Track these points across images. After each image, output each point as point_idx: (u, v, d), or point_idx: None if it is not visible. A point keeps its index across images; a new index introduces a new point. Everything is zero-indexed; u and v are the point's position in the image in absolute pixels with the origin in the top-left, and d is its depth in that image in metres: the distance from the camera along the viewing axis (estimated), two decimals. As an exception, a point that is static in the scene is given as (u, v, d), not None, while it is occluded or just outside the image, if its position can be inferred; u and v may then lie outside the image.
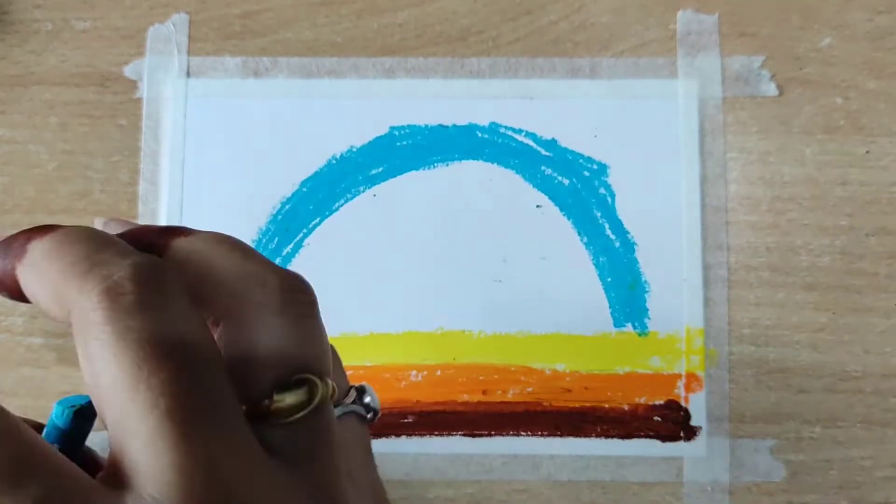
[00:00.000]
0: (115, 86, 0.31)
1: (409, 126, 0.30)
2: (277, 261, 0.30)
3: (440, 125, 0.30)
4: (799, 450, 0.29)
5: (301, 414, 0.14)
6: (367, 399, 0.17)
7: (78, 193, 0.30)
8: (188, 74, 0.31)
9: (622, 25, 0.31)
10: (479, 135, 0.30)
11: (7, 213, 0.30)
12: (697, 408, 0.29)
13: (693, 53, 0.31)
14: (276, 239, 0.30)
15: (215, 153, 0.30)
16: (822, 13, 0.31)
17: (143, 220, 0.30)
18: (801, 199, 0.30)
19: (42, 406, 0.29)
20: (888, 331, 0.29)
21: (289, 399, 0.14)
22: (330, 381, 0.14)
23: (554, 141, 0.30)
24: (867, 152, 0.30)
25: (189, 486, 0.12)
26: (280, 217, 0.30)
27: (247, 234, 0.30)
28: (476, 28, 0.31)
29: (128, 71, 0.31)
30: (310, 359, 0.14)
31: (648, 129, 0.30)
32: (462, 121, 0.30)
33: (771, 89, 0.30)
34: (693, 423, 0.29)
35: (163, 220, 0.30)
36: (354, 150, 0.30)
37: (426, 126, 0.30)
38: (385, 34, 0.31)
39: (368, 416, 0.17)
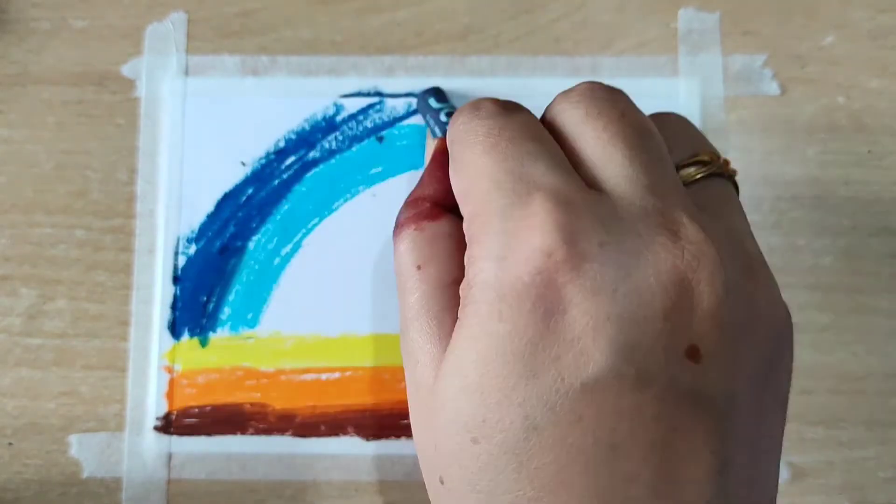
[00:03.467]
0: (112, 85, 0.31)
1: (408, 126, 0.30)
2: (276, 261, 0.29)
3: (440, 124, 0.30)
4: (801, 451, 0.28)
5: (701, 175, 0.18)
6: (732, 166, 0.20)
7: (76, 193, 0.30)
8: (186, 73, 0.31)
9: (623, 24, 0.31)
10: (480, 134, 0.30)
11: (5, 212, 0.30)
12: None
13: (694, 52, 0.30)
14: (275, 239, 0.30)
15: (214, 152, 0.30)
16: (824, 12, 0.31)
17: (141, 220, 0.30)
18: (804, 199, 0.30)
19: (40, 406, 0.29)
20: (891, 331, 0.29)
21: (691, 170, 0.18)
22: (719, 157, 0.18)
23: (554, 140, 0.30)
24: (869, 152, 0.30)
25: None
26: (279, 217, 0.30)
27: (245, 234, 0.30)
28: (476, 26, 0.31)
29: (126, 70, 0.31)
30: (703, 145, 0.19)
31: (650, 129, 0.30)
32: (462, 120, 0.30)
33: (773, 88, 0.30)
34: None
35: (161, 219, 0.30)
36: (354, 149, 0.30)
37: (426, 125, 0.30)
38: (385, 33, 0.31)
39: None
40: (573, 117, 0.17)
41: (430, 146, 0.20)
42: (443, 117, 0.22)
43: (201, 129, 0.30)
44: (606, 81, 0.30)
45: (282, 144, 0.30)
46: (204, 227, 0.30)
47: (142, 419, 0.29)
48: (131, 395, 0.29)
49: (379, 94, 0.30)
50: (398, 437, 0.29)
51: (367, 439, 0.29)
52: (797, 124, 0.30)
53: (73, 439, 0.29)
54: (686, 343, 0.15)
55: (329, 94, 0.30)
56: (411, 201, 0.19)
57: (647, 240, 0.15)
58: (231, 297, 0.29)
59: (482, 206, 0.16)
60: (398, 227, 0.19)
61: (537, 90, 0.30)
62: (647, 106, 0.30)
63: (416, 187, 0.20)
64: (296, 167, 0.30)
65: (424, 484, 0.27)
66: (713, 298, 0.15)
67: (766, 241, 0.29)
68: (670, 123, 0.19)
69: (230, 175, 0.30)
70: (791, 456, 0.28)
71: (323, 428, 0.29)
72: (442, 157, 0.19)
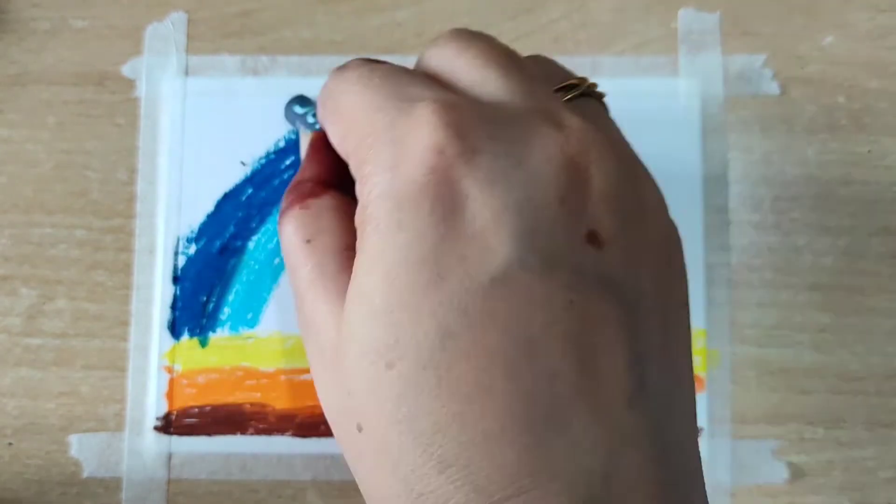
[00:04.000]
0: (112, 85, 0.31)
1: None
2: (276, 261, 0.30)
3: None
4: (801, 451, 0.28)
5: (574, 94, 0.18)
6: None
7: (76, 193, 0.30)
8: (186, 73, 0.31)
9: (623, 24, 0.31)
10: (480, 134, 0.30)
11: (5, 212, 0.30)
12: (699, 409, 0.28)
13: (694, 52, 0.30)
14: (276, 239, 0.30)
15: (214, 152, 0.30)
16: (824, 12, 0.31)
17: (141, 220, 0.30)
18: (804, 199, 0.30)
19: (40, 406, 0.29)
20: (891, 331, 0.29)
21: (562, 93, 0.18)
22: (587, 80, 0.19)
23: (554, 140, 0.30)
24: (869, 151, 0.30)
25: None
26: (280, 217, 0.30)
27: (245, 234, 0.30)
28: (476, 26, 0.31)
29: (126, 70, 0.31)
30: (570, 74, 0.20)
31: (649, 129, 0.30)
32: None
33: (773, 88, 0.30)
34: (694, 424, 0.29)
35: (161, 219, 0.30)
36: (354, 149, 0.30)
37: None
38: (384, 32, 0.31)
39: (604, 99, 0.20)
40: (444, 56, 0.17)
41: (304, 140, 0.21)
42: (310, 119, 0.23)
43: (201, 129, 0.30)
44: (606, 81, 0.30)
45: (282, 144, 0.30)
46: (204, 227, 0.30)
47: (142, 419, 0.29)
48: (131, 395, 0.29)
49: None
50: (398, 437, 0.29)
51: (367, 439, 0.29)
52: (797, 124, 0.30)
53: (73, 439, 0.29)
54: (585, 227, 0.15)
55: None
56: (291, 187, 0.19)
57: (532, 130, 0.15)
58: (231, 297, 0.29)
59: (366, 131, 0.16)
60: (282, 214, 0.19)
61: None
62: (647, 106, 0.30)
63: (294, 178, 0.20)
64: (296, 167, 0.30)
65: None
66: (604, 180, 0.15)
67: (766, 240, 0.29)
68: (537, 59, 0.20)
69: (230, 175, 0.30)
70: (791, 456, 0.28)
71: (323, 428, 0.29)
72: (318, 144, 0.20)
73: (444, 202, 0.14)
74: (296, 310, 0.18)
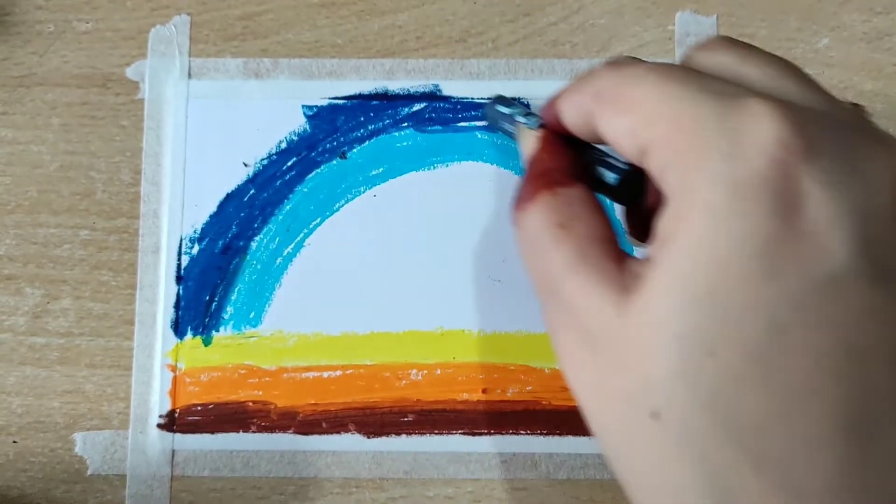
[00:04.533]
0: (116, 87, 0.31)
1: (409, 127, 0.31)
2: (278, 261, 0.30)
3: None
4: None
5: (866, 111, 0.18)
6: None
7: (80, 194, 0.30)
8: (189, 76, 0.31)
9: (621, 27, 0.31)
10: (479, 135, 0.30)
11: (9, 213, 0.30)
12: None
13: (691, 54, 0.31)
14: (277, 239, 0.30)
15: (217, 153, 0.30)
16: (819, 14, 0.31)
17: (145, 220, 0.30)
18: (799, 200, 0.30)
19: (45, 405, 0.29)
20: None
21: None
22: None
23: (553, 141, 0.30)
24: (864, 153, 0.30)
25: None
26: (281, 217, 0.30)
27: (247, 234, 0.30)
28: (476, 30, 0.31)
29: (130, 72, 0.31)
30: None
31: (647, 130, 0.30)
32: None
33: (769, 90, 0.30)
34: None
35: (165, 220, 0.30)
36: (355, 150, 0.30)
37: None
38: (385, 36, 0.31)
39: None
40: (725, 63, 0.17)
41: (528, 138, 0.21)
42: (520, 118, 0.23)
43: (204, 131, 0.31)
44: (604, 83, 0.31)
45: (283, 145, 0.31)
46: (207, 228, 0.30)
47: (145, 417, 0.29)
48: (135, 393, 0.29)
49: (385, 95, 0.31)
50: (398, 434, 0.29)
51: (368, 437, 0.29)
52: (793, 126, 0.30)
53: (78, 437, 0.29)
54: None
55: (330, 96, 0.31)
56: (533, 176, 0.19)
57: (861, 141, 0.15)
58: (234, 297, 0.30)
59: (685, 119, 0.15)
60: (521, 200, 0.18)
61: (536, 93, 0.31)
62: (645, 108, 0.31)
63: (529, 170, 0.20)
64: (297, 168, 0.30)
65: (424, 482, 0.27)
66: None
67: (762, 241, 0.30)
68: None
69: (233, 176, 0.30)
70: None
71: (324, 425, 0.29)
72: (551, 138, 0.20)
73: (785, 196, 0.14)
74: (544, 297, 0.17)
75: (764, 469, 0.14)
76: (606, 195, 0.21)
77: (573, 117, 0.19)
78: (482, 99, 0.30)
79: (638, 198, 0.20)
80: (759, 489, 0.14)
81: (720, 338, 0.14)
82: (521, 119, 0.23)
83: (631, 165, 0.20)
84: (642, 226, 0.20)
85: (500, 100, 0.27)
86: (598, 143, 0.20)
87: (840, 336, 0.14)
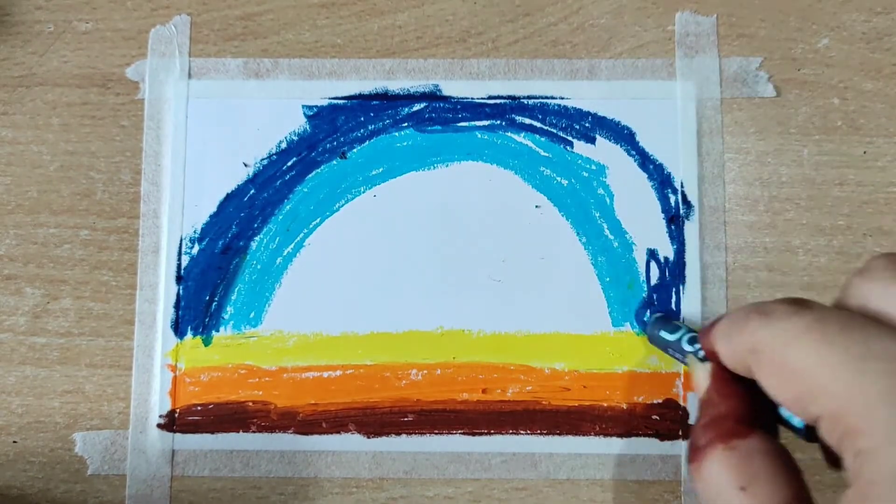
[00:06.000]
0: (117, 87, 0.31)
1: (409, 127, 0.31)
2: (278, 261, 0.30)
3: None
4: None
5: None
6: None
7: (80, 194, 0.30)
8: (189, 76, 0.31)
9: (620, 27, 0.31)
10: (479, 136, 0.30)
11: (10, 213, 0.30)
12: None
13: (691, 55, 0.31)
14: (278, 239, 0.30)
15: (217, 153, 0.30)
16: (819, 14, 0.31)
17: (145, 220, 0.30)
18: (799, 200, 0.30)
19: (45, 404, 0.29)
20: (885, 330, 0.29)
21: None
22: None
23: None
24: (864, 153, 0.30)
25: None
26: (281, 217, 0.30)
27: (247, 234, 0.30)
28: (476, 30, 0.31)
29: (130, 72, 0.31)
30: None
31: (646, 130, 0.30)
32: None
33: (768, 90, 0.31)
34: (691, 421, 0.29)
35: (165, 220, 0.30)
36: (355, 150, 0.31)
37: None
38: (385, 36, 0.31)
39: None
40: (885, 293, 0.16)
41: (699, 371, 0.20)
42: (686, 346, 0.22)
43: (204, 131, 0.31)
44: (604, 83, 0.31)
45: (283, 145, 0.31)
46: (207, 228, 0.30)
47: (145, 417, 0.29)
48: (135, 393, 0.29)
49: (385, 95, 0.31)
50: (398, 434, 0.29)
51: (368, 436, 0.29)
52: (792, 126, 0.30)
53: (78, 437, 0.29)
54: None
55: (330, 96, 0.31)
56: (706, 423, 0.18)
57: None
58: (234, 297, 0.30)
59: (852, 397, 0.15)
60: (699, 450, 0.17)
61: (536, 92, 0.31)
62: (644, 108, 0.31)
63: (701, 413, 0.18)
64: (297, 168, 0.30)
65: (424, 482, 0.27)
66: None
67: (762, 241, 0.30)
68: None
69: (233, 176, 0.30)
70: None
71: (324, 425, 0.29)
72: (721, 376, 0.19)
73: None
74: None
75: None
76: (798, 436, 0.19)
77: (731, 361, 0.18)
78: (481, 100, 0.30)
79: None
80: None
81: None
82: (687, 347, 0.22)
83: None
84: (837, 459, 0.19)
85: (663, 321, 0.26)
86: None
87: None
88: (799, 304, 0.16)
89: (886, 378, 0.14)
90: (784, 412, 0.19)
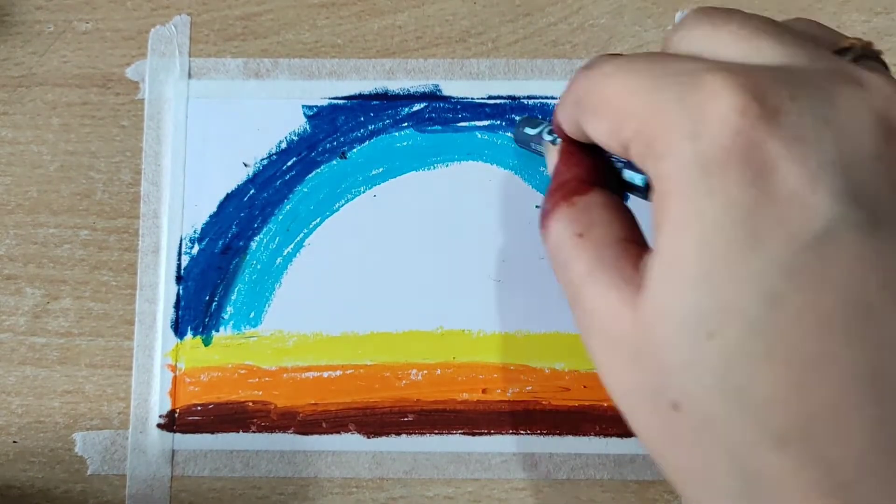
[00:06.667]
0: (117, 87, 0.31)
1: (409, 127, 0.31)
2: (278, 261, 0.30)
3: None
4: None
5: (855, 55, 0.17)
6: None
7: (80, 193, 0.30)
8: (190, 76, 0.31)
9: (621, 27, 0.31)
10: (479, 135, 0.30)
11: (9, 213, 0.30)
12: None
13: (691, 55, 0.31)
14: (277, 239, 0.30)
15: (217, 153, 0.30)
16: (819, 14, 0.31)
17: (145, 220, 0.30)
18: (799, 200, 0.30)
19: (45, 405, 0.29)
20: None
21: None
22: (860, 40, 0.18)
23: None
24: (864, 153, 0.30)
25: None
26: (281, 217, 0.30)
27: (247, 234, 0.30)
28: (476, 30, 0.31)
29: (130, 72, 0.31)
30: (839, 35, 0.18)
31: (647, 130, 0.30)
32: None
33: (768, 90, 0.31)
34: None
35: (165, 220, 0.30)
36: (355, 150, 0.31)
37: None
38: (385, 36, 0.31)
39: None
40: (697, 36, 0.17)
41: (551, 153, 0.21)
42: (546, 136, 0.23)
43: (204, 131, 0.31)
44: (604, 83, 0.31)
45: (283, 145, 0.31)
46: (207, 228, 0.30)
47: (146, 417, 0.29)
48: (135, 393, 0.29)
49: (385, 95, 0.31)
50: (398, 434, 0.29)
51: (368, 436, 0.29)
52: (792, 126, 0.30)
53: (78, 437, 0.29)
54: None
55: (330, 96, 0.31)
56: (553, 189, 0.19)
57: (832, 90, 0.15)
58: (234, 297, 0.30)
59: (649, 111, 0.15)
60: (546, 214, 0.19)
61: (536, 92, 0.31)
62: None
63: (550, 184, 0.20)
64: (297, 168, 0.30)
65: (424, 482, 0.27)
66: None
67: (762, 241, 0.30)
68: (799, 22, 0.18)
69: (233, 176, 0.30)
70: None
71: (324, 425, 0.29)
72: (569, 149, 0.20)
73: (754, 164, 0.14)
74: (572, 306, 0.18)
75: (787, 444, 0.13)
76: (640, 196, 0.20)
77: (569, 127, 0.19)
78: (481, 100, 0.30)
79: None
80: (783, 465, 0.13)
81: (717, 317, 0.14)
82: (546, 137, 0.23)
83: None
84: None
85: (527, 121, 0.27)
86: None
87: (841, 294, 0.13)
88: (614, 54, 0.18)
89: (679, 86, 0.15)
90: (626, 171, 0.20)
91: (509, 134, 0.30)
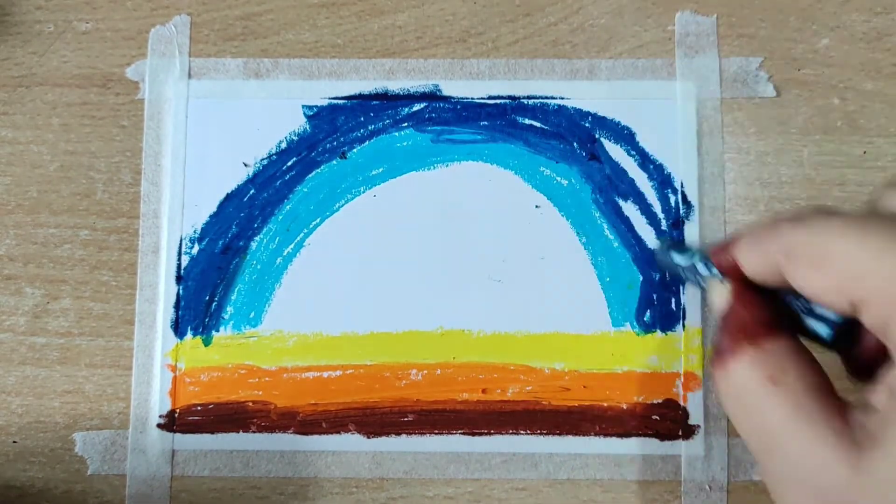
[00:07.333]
0: (117, 87, 0.31)
1: (409, 127, 0.31)
2: (278, 261, 0.30)
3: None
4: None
5: None
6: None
7: (80, 193, 0.30)
8: (189, 76, 0.31)
9: (620, 27, 0.31)
10: (479, 135, 0.30)
11: (10, 213, 0.30)
12: (695, 406, 0.29)
13: (691, 55, 0.31)
14: (277, 239, 0.30)
15: (217, 153, 0.30)
16: (819, 14, 0.31)
17: (145, 220, 0.30)
18: (799, 200, 0.30)
19: (45, 405, 0.29)
20: (885, 330, 0.29)
21: None
22: None
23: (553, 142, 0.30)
24: (864, 153, 0.30)
25: None
26: (281, 217, 0.30)
27: (247, 234, 0.30)
28: (476, 30, 0.31)
29: (130, 72, 0.31)
30: None
31: (646, 130, 0.30)
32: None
33: (769, 90, 0.31)
34: (691, 421, 0.29)
35: (165, 220, 0.30)
36: (355, 150, 0.31)
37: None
38: (385, 36, 0.31)
39: None
40: None
41: (719, 290, 0.21)
42: (700, 269, 0.23)
43: (204, 131, 0.31)
44: (604, 83, 0.31)
45: (283, 145, 0.31)
46: (207, 228, 0.30)
47: (145, 417, 0.29)
48: (135, 393, 0.29)
49: (385, 95, 0.31)
50: (398, 434, 0.29)
51: (368, 436, 0.29)
52: (792, 126, 0.30)
53: (78, 437, 0.29)
54: None
55: (330, 96, 0.31)
56: (733, 329, 0.19)
57: None
58: (234, 297, 0.30)
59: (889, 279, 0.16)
60: (722, 356, 0.18)
61: (536, 92, 0.31)
62: (644, 108, 0.31)
63: (723, 324, 0.19)
64: (297, 168, 0.30)
65: (424, 482, 0.27)
66: None
67: (762, 241, 0.30)
68: None
69: (233, 176, 0.30)
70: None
71: (324, 425, 0.29)
72: (742, 289, 0.20)
73: None
74: (763, 453, 0.17)
75: None
76: (816, 344, 0.20)
77: (757, 269, 0.19)
78: (481, 100, 0.30)
79: (852, 345, 0.20)
80: None
81: None
82: (702, 269, 0.22)
83: (842, 316, 0.19)
84: (860, 367, 0.19)
85: (674, 245, 0.26)
86: (785, 290, 0.19)
87: None
88: (830, 209, 0.17)
89: None
90: (809, 320, 0.19)
91: (652, 248, 0.30)
